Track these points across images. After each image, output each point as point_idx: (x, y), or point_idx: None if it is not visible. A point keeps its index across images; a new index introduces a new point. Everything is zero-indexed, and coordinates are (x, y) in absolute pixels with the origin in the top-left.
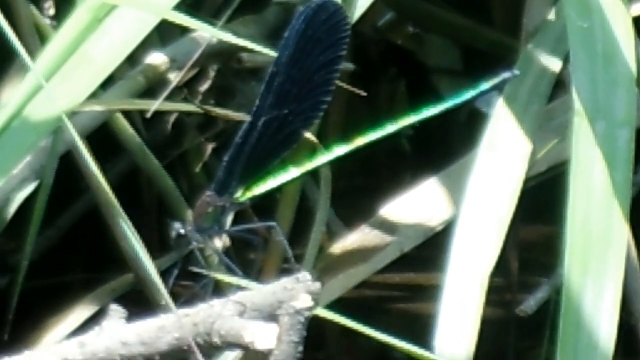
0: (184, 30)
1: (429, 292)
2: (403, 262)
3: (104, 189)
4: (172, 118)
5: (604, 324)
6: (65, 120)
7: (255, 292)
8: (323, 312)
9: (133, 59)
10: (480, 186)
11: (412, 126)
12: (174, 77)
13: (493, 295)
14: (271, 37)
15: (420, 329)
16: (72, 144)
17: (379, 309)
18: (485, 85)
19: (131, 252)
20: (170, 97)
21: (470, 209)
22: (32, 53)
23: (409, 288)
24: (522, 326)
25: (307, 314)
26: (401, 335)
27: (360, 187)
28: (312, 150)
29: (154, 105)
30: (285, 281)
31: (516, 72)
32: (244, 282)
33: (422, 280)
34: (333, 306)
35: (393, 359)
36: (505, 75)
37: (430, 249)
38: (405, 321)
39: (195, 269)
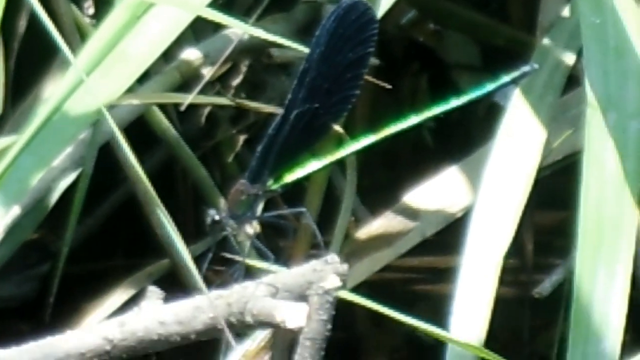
0: (217, 27)
1: (449, 275)
2: (425, 247)
3: (141, 180)
4: (206, 111)
5: (615, 304)
6: (105, 112)
7: (286, 274)
8: (350, 296)
9: (168, 55)
10: (497, 174)
11: (434, 118)
12: (208, 72)
13: (510, 277)
14: (299, 34)
15: (440, 309)
16: (110, 136)
17: (401, 290)
18: (505, 78)
19: (167, 238)
20: (203, 91)
21: (487, 196)
22: (73, 50)
23: (430, 271)
24: (536, 306)
25: (335, 294)
26: (423, 314)
27: (385, 177)
28: (339, 141)
29: (188, 99)
30: (315, 263)
31: (535, 66)
32: (274, 265)
33: (442, 264)
34: (359, 289)
35: (415, 336)
36: (525, 69)
37: (450, 234)
38: (427, 302)
39: (229, 255)
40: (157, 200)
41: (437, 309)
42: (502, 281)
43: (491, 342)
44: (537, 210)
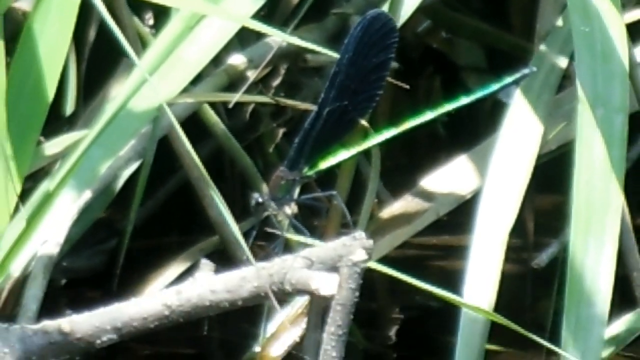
0: (259, 36)
1: (460, 251)
2: (438, 226)
3: (196, 166)
4: (250, 108)
5: (603, 275)
6: (166, 108)
7: (320, 249)
8: (375, 266)
9: (217, 60)
10: (501, 162)
11: (447, 114)
12: (251, 75)
13: (513, 253)
14: (330, 41)
15: (452, 282)
16: (168, 130)
17: (417, 265)
18: (508, 79)
19: (217, 217)
20: (248, 91)
21: (493, 181)
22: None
23: (443, 248)
24: (536, 278)
25: (362, 265)
26: (436, 286)
27: (404, 164)
28: (365, 134)
29: (234, 98)
30: (344, 239)
31: (534, 68)
32: (310, 240)
33: (454, 242)
34: (380, 263)
35: (429, 307)
36: (525, 71)
37: (461, 215)
38: (440, 276)
39: (271, 230)
40: (211, 184)
41: (448, 281)
42: (506, 257)
43: (497, 309)
44: (535, 193)
